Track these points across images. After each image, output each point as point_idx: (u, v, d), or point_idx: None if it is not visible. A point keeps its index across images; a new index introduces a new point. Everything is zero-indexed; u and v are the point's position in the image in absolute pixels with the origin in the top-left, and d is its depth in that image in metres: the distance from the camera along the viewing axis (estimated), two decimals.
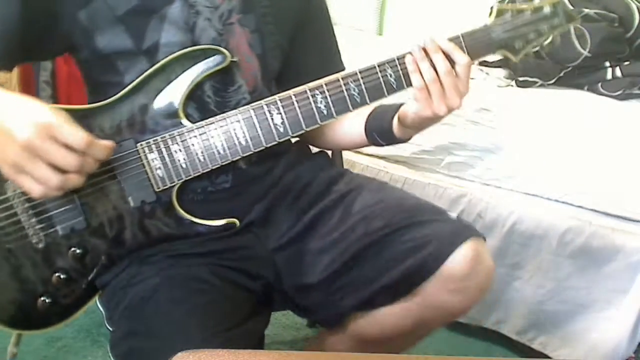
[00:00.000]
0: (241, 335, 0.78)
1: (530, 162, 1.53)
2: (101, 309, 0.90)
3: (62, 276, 0.83)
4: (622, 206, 1.41)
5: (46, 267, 0.83)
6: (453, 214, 0.95)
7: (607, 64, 1.66)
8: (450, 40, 0.86)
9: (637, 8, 1.69)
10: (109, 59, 0.86)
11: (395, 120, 0.93)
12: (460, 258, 0.85)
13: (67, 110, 0.79)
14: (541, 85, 1.68)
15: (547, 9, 0.91)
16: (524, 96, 1.64)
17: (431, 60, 0.84)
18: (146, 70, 0.84)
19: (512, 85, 1.71)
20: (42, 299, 0.83)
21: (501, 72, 1.79)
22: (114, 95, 0.84)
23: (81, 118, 0.80)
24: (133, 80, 0.84)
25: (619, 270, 1.40)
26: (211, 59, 0.85)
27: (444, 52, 0.84)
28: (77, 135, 0.68)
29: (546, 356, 1.54)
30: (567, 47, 1.64)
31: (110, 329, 0.88)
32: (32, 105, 0.70)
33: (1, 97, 0.71)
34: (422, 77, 0.84)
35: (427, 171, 1.70)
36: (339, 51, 1.09)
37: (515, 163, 1.55)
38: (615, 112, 1.56)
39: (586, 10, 1.69)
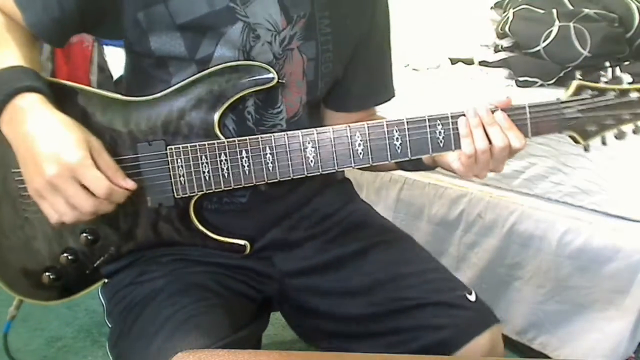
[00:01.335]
0: (238, 342, 0.78)
1: (530, 162, 1.53)
2: (103, 301, 0.91)
3: (69, 257, 0.85)
4: (622, 206, 1.41)
5: (57, 244, 0.85)
6: (472, 297, 0.91)
7: (607, 64, 1.66)
8: (515, 109, 0.81)
9: (637, 8, 1.68)
10: (161, 59, 0.85)
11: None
12: (477, 347, 0.85)
13: (109, 98, 0.83)
14: (541, 85, 1.68)
15: (634, 95, 0.82)
16: (524, 96, 1.64)
17: (485, 129, 0.80)
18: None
19: (512, 86, 1.71)
20: (47, 273, 0.86)
21: (501, 72, 1.79)
22: (159, 91, 0.84)
23: (121, 108, 0.83)
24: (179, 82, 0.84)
25: (619, 270, 1.40)
26: (259, 76, 0.83)
27: (500, 127, 0.80)
28: (99, 183, 0.72)
29: (546, 356, 1.54)
30: (567, 47, 1.64)
31: (110, 325, 0.88)
32: (67, 138, 0.72)
33: (43, 122, 0.73)
34: (474, 144, 0.80)
35: (427, 171, 1.70)
36: (390, 76, 1.04)
37: (515, 163, 1.55)
38: None
39: (586, 10, 1.69)
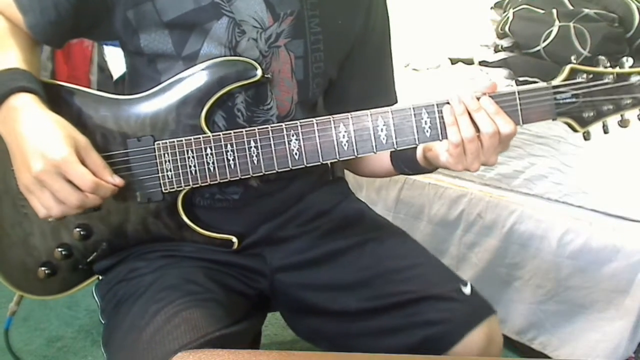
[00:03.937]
0: (230, 337, 0.78)
1: (530, 162, 1.53)
2: (97, 299, 0.92)
3: (63, 252, 0.87)
4: (622, 206, 1.41)
5: (52, 239, 0.87)
6: (467, 289, 0.90)
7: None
8: (504, 96, 0.77)
9: (637, 8, 1.69)
10: (151, 57, 0.87)
11: (419, 153, 0.88)
12: (474, 340, 0.85)
13: (101, 97, 0.86)
14: None
15: (634, 79, 0.76)
16: None
17: (471, 116, 0.77)
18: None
19: (512, 86, 1.71)
20: (42, 268, 0.87)
21: (501, 72, 1.79)
22: (148, 89, 0.85)
23: (113, 107, 0.85)
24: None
25: (619, 270, 1.40)
26: (243, 71, 0.84)
27: (487, 113, 0.76)
28: (84, 178, 0.73)
29: (546, 356, 1.54)
30: (567, 47, 1.64)
31: (103, 321, 0.89)
32: (54, 135, 0.74)
33: (33, 120, 0.75)
34: (460, 133, 0.77)
35: (427, 173, 1.70)
36: (392, 82, 1.03)
37: (515, 163, 1.55)
38: None
39: (586, 10, 1.69)
